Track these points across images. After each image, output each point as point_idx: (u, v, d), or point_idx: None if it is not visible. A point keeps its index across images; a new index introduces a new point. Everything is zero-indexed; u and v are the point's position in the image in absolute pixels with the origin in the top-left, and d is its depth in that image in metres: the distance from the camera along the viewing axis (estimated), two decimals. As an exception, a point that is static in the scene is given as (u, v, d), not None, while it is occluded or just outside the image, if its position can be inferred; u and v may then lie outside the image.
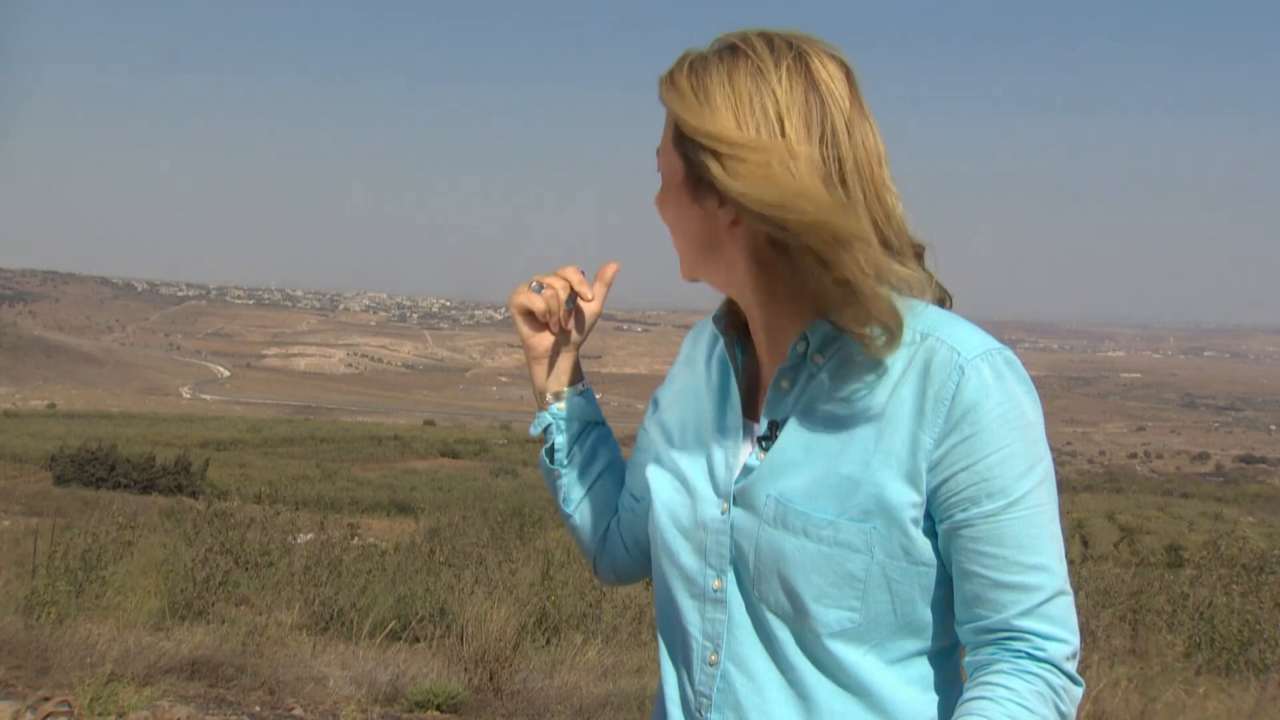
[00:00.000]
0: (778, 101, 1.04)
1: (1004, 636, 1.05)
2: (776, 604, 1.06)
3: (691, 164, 1.07)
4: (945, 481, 1.03)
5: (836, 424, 1.06)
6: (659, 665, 1.22)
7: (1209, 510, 41.60)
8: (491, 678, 5.10)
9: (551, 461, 1.31)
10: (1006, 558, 1.03)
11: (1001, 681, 1.02)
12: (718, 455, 1.13)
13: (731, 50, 1.07)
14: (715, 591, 1.10)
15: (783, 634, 1.07)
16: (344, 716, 4.53)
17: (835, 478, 1.04)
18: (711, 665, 1.10)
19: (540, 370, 1.28)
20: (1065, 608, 1.05)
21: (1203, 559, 10.39)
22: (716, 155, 1.03)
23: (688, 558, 1.13)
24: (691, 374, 1.24)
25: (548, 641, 6.45)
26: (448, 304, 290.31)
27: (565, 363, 1.29)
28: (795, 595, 1.04)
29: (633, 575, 1.35)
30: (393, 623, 6.78)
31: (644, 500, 1.28)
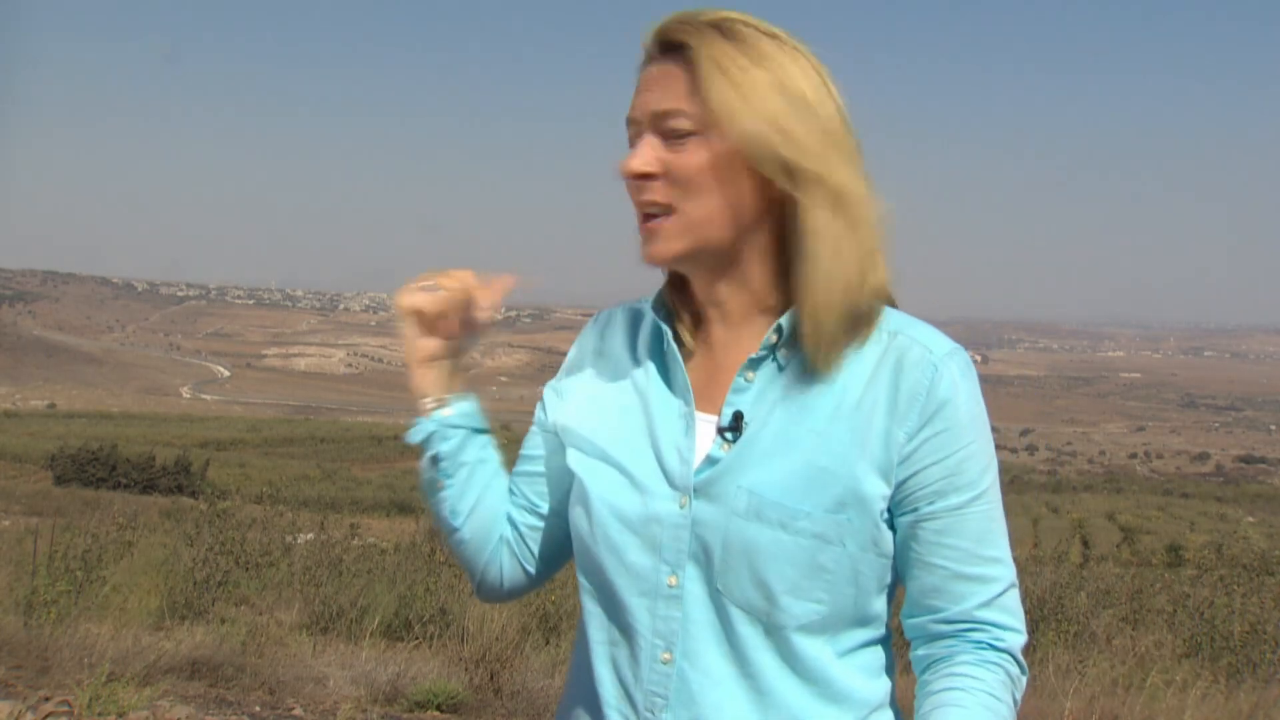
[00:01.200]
0: (834, 99, 1.08)
1: (965, 628, 1.07)
2: (743, 597, 1.04)
3: (768, 153, 1.04)
4: (915, 475, 1.05)
5: (810, 416, 1.06)
6: (581, 666, 1.16)
7: (1209, 510, 41.60)
8: (492, 678, 5.10)
9: (436, 472, 1.20)
10: (968, 550, 1.06)
11: (969, 672, 1.05)
12: (667, 448, 1.09)
13: (768, 35, 1.06)
14: (670, 588, 1.06)
15: (745, 629, 1.05)
16: (344, 716, 4.54)
17: (811, 469, 1.04)
18: (664, 663, 1.07)
19: (424, 375, 1.19)
20: (1017, 599, 1.09)
21: (1204, 559, 10.41)
22: (836, 195, 1.05)
23: (637, 554, 1.08)
24: (609, 365, 1.19)
25: (548, 642, 6.44)
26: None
27: (451, 368, 1.20)
28: (766, 588, 1.03)
29: (522, 589, 1.29)
30: (393, 622, 6.78)
31: (543, 507, 1.24)
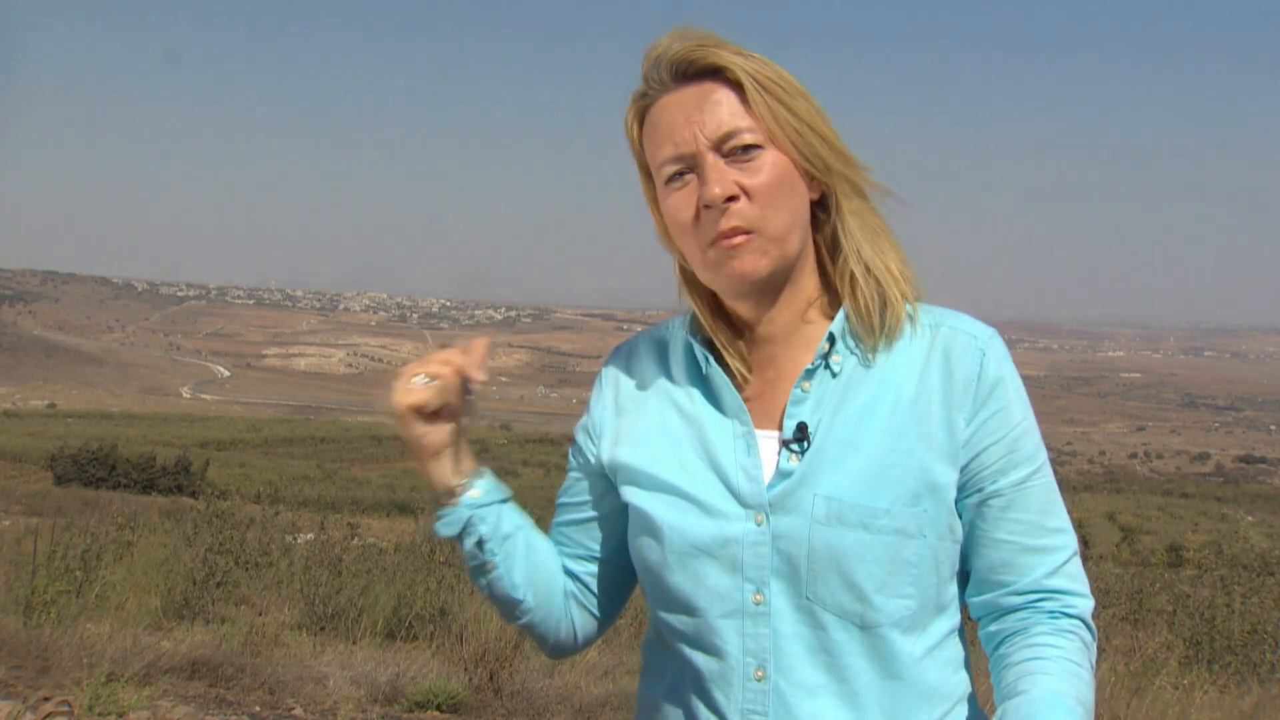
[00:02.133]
0: None
1: (1036, 598, 1.09)
2: (834, 603, 1.05)
3: (812, 157, 1.09)
4: (978, 455, 1.08)
5: (871, 416, 1.08)
6: (657, 697, 1.16)
7: (1210, 510, 41.53)
8: (491, 678, 5.09)
9: (483, 555, 1.15)
10: (1033, 522, 1.09)
11: (1048, 641, 1.07)
12: (732, 469, 1.10)
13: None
14: (756, 605, 1.07)
15: (840, 635, 1.06)
16: (343, 716, 4.53)
17: (882, 467, 1.06)
18: (758, 681, 1.07)
19: (441, 466, 1.13)
20: (1080, 566, 1.12)
21: (1204, 559, 10.38)
22: (858, 188, 1.12)
23: (718, 577, 1.08)
24: (648, 397, 1.18)
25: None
26: (448, 304, 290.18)
27: (463, 449, 1.15)
28: (857, 589, 1.05)
29: (594, 637, 1.27)
30: (392, 622, 6.78)
31: (602, 552, 1.23)
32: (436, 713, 4.85)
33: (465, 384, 1.11)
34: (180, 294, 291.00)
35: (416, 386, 1.09)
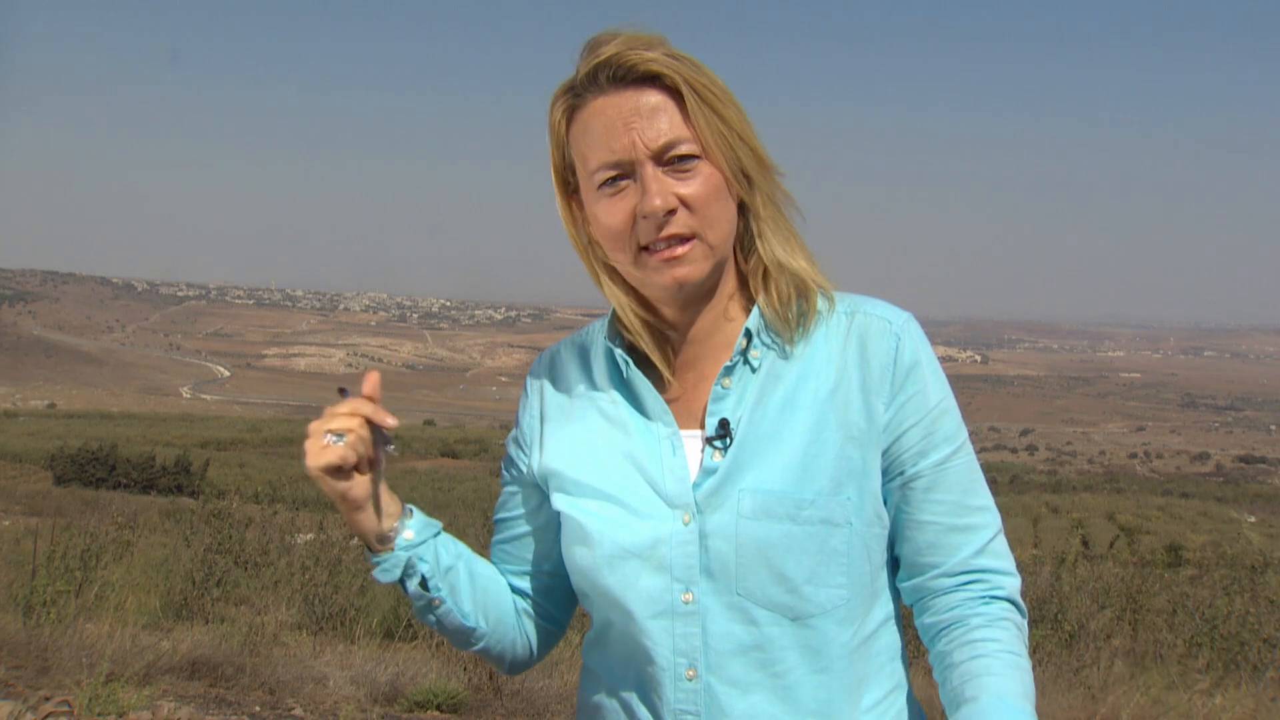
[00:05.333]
0: None
1: (964, 580, 1.10)
2: (765, 597, 1.05)
3: (739, 165, 1.09)
4: (898, 439, 1.08)
5: (792, 408, 1.08)
6: (596, 700, 1.16)
7: (1210, 510, 41.48)
8: (491, 677, 5.09)
9: (429, 593, 1.15)
10: (956, 502, 1.10)
11: (984, 636, 1.07)
12: (656, 471, 1.10)
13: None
14: (685, 604, 1.07)
15: (772, 629, 1.05)
16: (344, 716, 4.53)
17: (805, 458, 1.06)
18: (690, 680, 1.07)
19: (367, 516, 1.11)
20: (1005, 543, 1.13)
21: (1204, 559, 10.39)
22: (769, 194, 1.12)
23: (648, 579, 1.08)
24: (573, 405, 1.18)
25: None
26: (448, 304, 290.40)
27: (385, 492, 1.13)
28: (788, 581, 1.04)
29: (550, 646, 1.29)
30: (392, 622, 6.77)
31: (545, 564, 1.23)
32: (436, 712, 4.85)
33: (377, 430, 1.10)
34: (180, 294, 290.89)
35: (330, 446, 1.06)
